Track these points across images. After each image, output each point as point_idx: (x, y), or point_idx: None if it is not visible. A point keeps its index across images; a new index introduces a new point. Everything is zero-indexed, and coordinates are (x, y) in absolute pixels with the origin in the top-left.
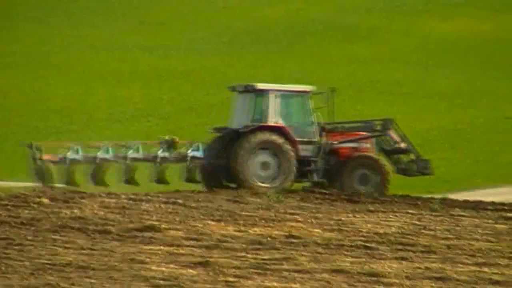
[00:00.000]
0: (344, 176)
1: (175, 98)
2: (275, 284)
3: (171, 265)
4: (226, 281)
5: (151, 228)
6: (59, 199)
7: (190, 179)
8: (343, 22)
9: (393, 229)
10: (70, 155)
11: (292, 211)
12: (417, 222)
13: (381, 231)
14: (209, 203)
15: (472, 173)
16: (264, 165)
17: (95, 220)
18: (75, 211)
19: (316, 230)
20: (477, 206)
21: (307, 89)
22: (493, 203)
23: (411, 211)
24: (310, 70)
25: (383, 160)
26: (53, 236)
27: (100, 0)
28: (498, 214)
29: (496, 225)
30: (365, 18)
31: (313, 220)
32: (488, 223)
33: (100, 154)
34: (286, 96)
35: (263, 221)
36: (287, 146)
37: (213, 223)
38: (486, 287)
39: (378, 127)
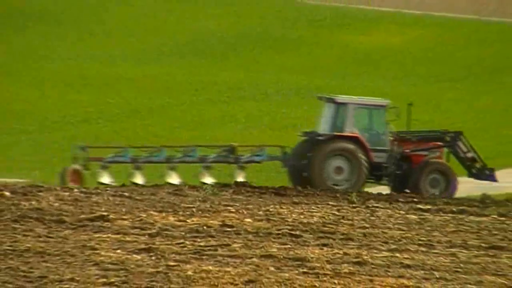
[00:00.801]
0: (420, 179)
1: (121, 103)
2: (210, 267)
3: (119, 251)
4: (167, 265)
5: (101, 218)
6: (19, 192)
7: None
8: (271, 35)
9: (316, 219)
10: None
11: (225, 203)
12: (336, 213)
13: (305, 220)
14: (152, 195)
15: None
16: (338, 170)
17: (51, 211)
18: (33, 203)
19: (247, 219)
20: (390, 199)
21: (383, 103)
22: (404, 195)
23: (331, 203)
24: (241, 77)
25: (452, 167)
26: (14, 225)
27: (51, 12)
28: (409, 206)
29: (407, 216)
30: (290, 31)
31: (244, 211)
32: (399, 213)
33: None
34: (362, 108)
35: (200, 212)
36: (360, 154)
37: (155, 213)
38: (398, 270)
39: (448, 138)
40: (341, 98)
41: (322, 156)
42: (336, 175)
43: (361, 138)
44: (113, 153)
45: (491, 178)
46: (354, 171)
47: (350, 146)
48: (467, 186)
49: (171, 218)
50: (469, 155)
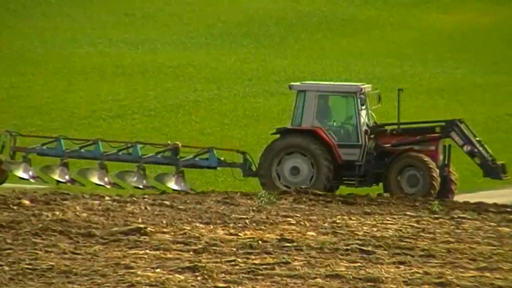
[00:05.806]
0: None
1: (162, 95)
2: None
3: (158, 270)
4: (216, 287)
5: (137, 231)
6: (40, 201)
7: None
8: (337, 15)
9: (391, 232)
10: None
11: (284, 213)
12: (415, 225)
13: (378, 234)
14: (198, 204)
15: (472, 173)
16: (294, 170)
17: (78, 222)
18: (57, 213)
19: (310, 233)
20: (478, 208)
21: (354, 89)
22: (495, 205)
23: (409, 213)
24: (303, 64)
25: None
26: (34, 240)
27: None
28: (501, 217)
29: (499, 228)
30: (360, 10)
31: (306, 222)
32: (490, 225)
33: None
34: (327, 96)
35: (254, 223)
36: (318, 151)
37: (202, 225)
38: None
39: (438, 129)
40: (296, 84)
41: (272, 154)
42: (291, 176)
43: (319, 131)
44: (39, 144)
45: (495, 175)
46: (312, 172)
47: (307, 142)
48: None
49: (220, 231)
50: (465, 148)
